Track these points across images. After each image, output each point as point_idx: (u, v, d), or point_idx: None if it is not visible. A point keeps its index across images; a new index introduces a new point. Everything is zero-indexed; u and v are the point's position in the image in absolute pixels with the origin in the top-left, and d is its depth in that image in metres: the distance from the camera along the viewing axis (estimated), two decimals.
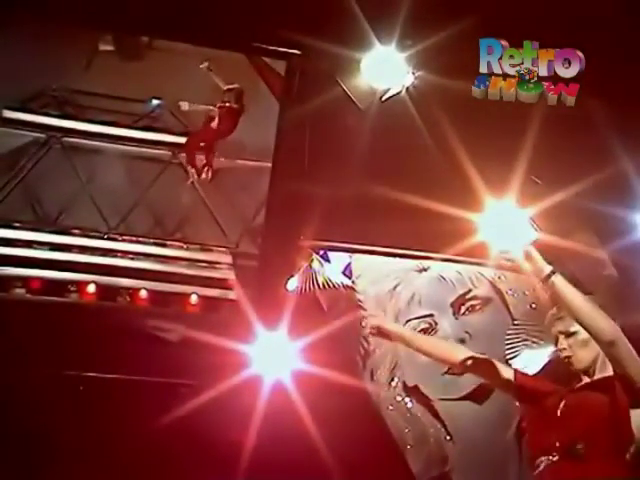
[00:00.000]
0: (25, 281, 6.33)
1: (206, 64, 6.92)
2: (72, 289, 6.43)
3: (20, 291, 6.34)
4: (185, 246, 6.89)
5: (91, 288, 6.39)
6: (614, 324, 3.06)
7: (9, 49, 6.43)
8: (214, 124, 7.12)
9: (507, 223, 5.35)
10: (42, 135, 7.03)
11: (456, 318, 5.94)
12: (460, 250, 5.69)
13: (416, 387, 5.83)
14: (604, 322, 3.04)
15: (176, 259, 6.75)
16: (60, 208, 6.99)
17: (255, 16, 4.93)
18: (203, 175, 7.16)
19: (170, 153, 7.25)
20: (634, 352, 3.05)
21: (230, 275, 6.51)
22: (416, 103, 5.13)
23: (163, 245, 6.85)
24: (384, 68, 5.11)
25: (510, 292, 5.95)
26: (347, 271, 5.91)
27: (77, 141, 7.07)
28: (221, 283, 6.50)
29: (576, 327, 3.20)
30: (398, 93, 5.16)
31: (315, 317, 5.64)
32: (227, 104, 7.07)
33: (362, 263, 5.97)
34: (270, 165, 5.69)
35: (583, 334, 3.18)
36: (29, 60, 6.66)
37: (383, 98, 5.23)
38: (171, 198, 7.19)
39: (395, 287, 5.95)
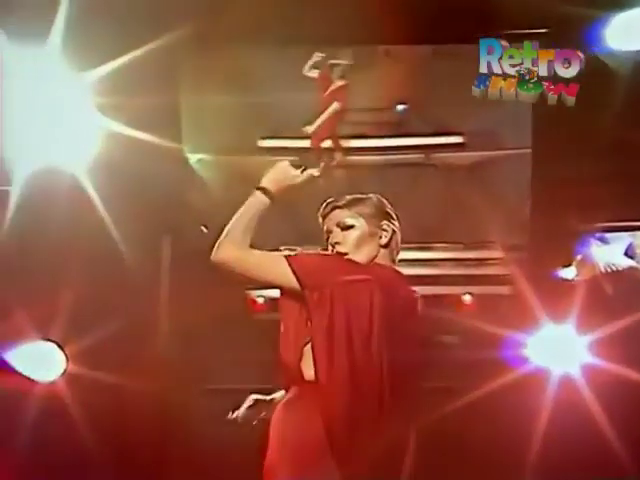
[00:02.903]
0: None
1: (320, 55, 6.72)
2: None
3: None
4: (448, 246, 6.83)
5: None
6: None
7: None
8: (333, 109, 6.85)
9: None
10: (296, 158, 7.20)
11: None
12: None
13: None
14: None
15: (445, 260, 6.69)
16: None
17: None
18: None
19: (423, 155, 7.19)
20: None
21: (503, 270, 6.38)
22: None
23: (429, 249, 6.82)
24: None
25: None
26: (629, 251, 5.66)
27: None
28: (495, 279, 6.39)
29: (354, 221, 2.93)
30: None
31: (599, 304, 5.40)
32: (337, 83, 6.81)
33: None
34: (529, 151, 5.54)
35: (359, 230, 2.92)
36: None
37: None
38: (430, 200, 7.13)
39: None
